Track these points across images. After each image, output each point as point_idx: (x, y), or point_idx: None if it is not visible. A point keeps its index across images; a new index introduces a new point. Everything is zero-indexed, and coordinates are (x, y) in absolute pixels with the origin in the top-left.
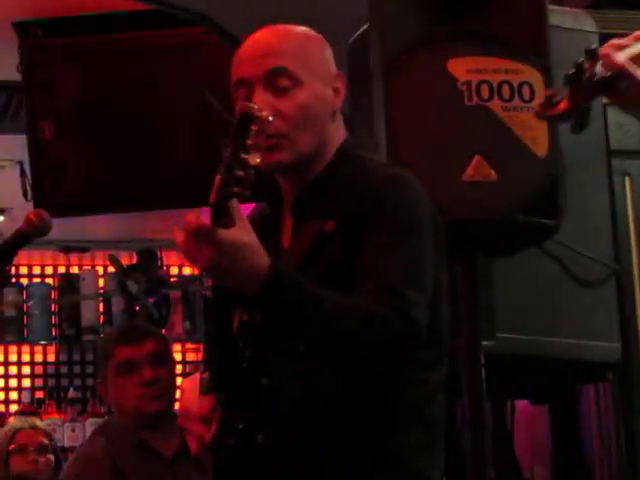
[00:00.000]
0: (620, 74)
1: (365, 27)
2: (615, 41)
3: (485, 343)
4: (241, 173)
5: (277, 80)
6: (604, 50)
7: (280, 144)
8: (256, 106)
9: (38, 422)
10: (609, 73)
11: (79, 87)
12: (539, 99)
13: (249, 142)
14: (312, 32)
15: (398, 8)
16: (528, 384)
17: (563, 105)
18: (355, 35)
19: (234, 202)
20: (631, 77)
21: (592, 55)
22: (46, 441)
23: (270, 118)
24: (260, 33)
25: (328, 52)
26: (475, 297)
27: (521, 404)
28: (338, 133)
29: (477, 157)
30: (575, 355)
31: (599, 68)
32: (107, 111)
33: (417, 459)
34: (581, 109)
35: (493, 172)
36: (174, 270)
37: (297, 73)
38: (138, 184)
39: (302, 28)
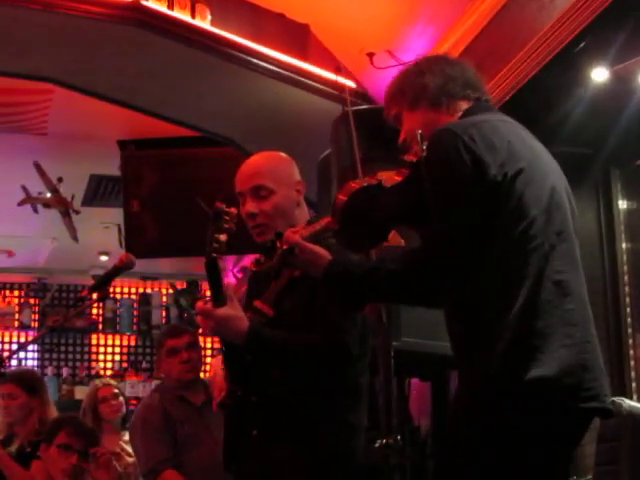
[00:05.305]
0: (293, 247)
1: (328, 151)
2: (292, 229)
3: (394, 343)
4: (216, 245)
5: (259, 191)
6: (286, 233)
7: (264, 230)
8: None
9: (111, 381)
10: (286, 246)
11: (155, 180)
12: None
13: (224, 226)
14: (284, 155)
15: (347, 139)
16: (419, 368)
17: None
18: (323, 155)
19: (229, 289)
20: (301, 248)
21: (279, 235)
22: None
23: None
24: (250, 159)
25: (294, 167)
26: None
27: (415, 380)
28: (303, 214)
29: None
30: (447, 351)
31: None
32: (172, 194)
33: (349, 415)
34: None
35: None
36: (208, 293)
37: (271, 186)
38: (189, 239)
39: (278, 153)
